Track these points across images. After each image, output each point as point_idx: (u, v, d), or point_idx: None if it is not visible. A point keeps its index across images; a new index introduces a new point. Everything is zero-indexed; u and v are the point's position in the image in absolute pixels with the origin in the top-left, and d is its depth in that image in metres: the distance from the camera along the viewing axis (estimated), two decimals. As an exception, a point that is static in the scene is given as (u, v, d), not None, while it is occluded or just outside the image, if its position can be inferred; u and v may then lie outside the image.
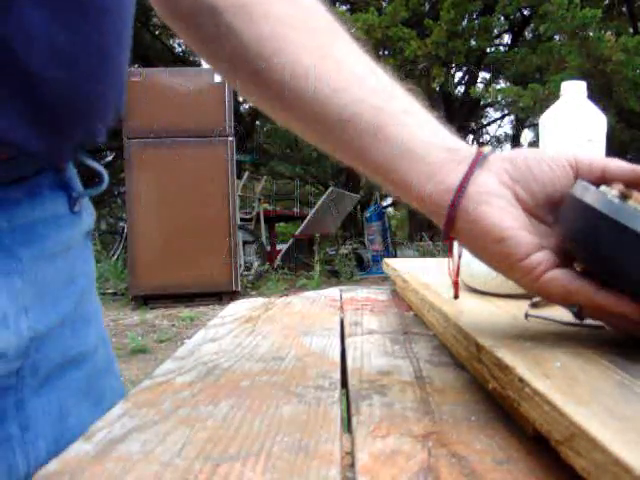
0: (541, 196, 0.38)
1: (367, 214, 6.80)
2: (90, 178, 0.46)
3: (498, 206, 0.37)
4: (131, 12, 0.40)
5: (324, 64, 0.41)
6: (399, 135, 0.39)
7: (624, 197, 0.34)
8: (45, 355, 0.39)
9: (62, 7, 0.33)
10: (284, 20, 0.41)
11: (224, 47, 0.42)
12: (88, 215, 0.47)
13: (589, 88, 0.99)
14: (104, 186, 0.45)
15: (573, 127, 0.96)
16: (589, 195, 0.35)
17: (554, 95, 0.93)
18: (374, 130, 0.39)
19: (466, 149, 0.40)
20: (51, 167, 0.41)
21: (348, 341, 0.56)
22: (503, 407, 0.36)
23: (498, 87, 7.40)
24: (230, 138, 4.57)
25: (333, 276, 5.96)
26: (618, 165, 0.38)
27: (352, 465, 0.30)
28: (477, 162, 0.39)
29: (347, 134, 0.40)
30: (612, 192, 0.35)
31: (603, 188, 0.36)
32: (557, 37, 6.51)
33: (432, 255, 6.09)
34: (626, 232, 0.33)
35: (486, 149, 0.40)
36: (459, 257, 0.42)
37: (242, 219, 5.82)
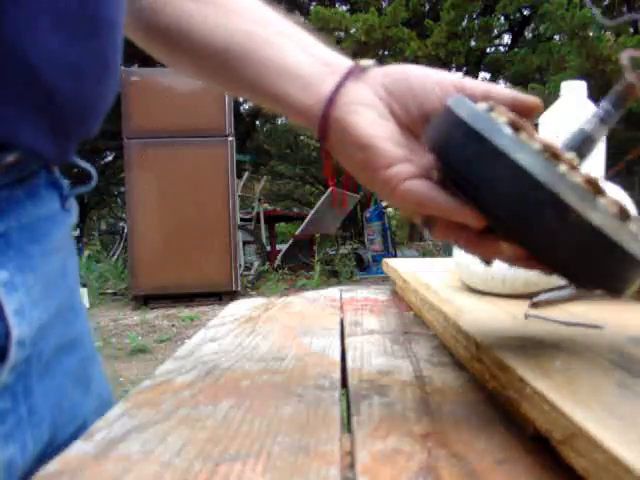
0: (418, 113, 0.39)
1: (367, 214, 6.80)
2: (79, 177, 0.48)
3: (367, 117, 0.39)
4: (123, 18, 0.42)
5: (205, 7, 0.44)
6: (273, 55, 0.41)
7: (514, 127, 0.33)
8: (47, 342, 0.41)
9: (69, 25, 0.35)
10: None
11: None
12: (74, 211, 0.49)
13: (589, 88, 0.99)
14: (93, 183, 0.47)
15: (573, 127, 0.96)
16: (461, 106, 0.34)
17: (554, 95, 0.93)
18: (247, 54, 0.42)
19: (344, 63, 0.41)
20: (45, 167, 0.42)
21: (348, 341, 0.56)
22: (503, 407, 0.36)
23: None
24: (230, 138, 4.57)
25: (333, 276, 5.96)
26: (499, 91, 0.38)
27: (352, 465, 0.30)
28: (351, 73, 0.40)
29: (226, 63, 0.43)
30: (501, 118, 0.33)
31: (493, 114, 0.34)
32: (557, 37, 6.51)
33: (432, 255, 6.09)
34: (483, 143, 0.31)
35: (366, 62, 0.41)
36: None
37: (242, 219, 5.82)
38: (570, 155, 0.34)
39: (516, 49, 7.65)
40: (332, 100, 0.40)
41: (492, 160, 0.31)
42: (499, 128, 0.32)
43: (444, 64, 6.93)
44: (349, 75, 0.40)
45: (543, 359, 0.34)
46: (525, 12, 8.12)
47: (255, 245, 6.17)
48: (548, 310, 0.50)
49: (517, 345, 0.37)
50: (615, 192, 0.67)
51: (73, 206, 0.48)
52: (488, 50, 8.03)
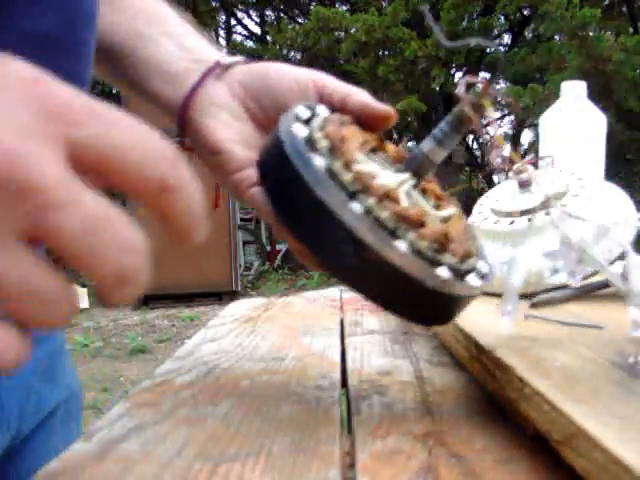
0: (274, 111, 0.39)
1: (367, 214, 6.78)
2: None
3: (219, 119, 0.39)
4: (96, 36, 0.43)
5: (106, 9, 0.44)
6: (152, 55, 0.42)
7: (331, 152, 0.32)
8: None
9: (49, 48, 0.36)
10: None
11: None
12: None
13: (589, 88, 0.99)
14: None
15: (573, 127, 0.96)
16: (284, 124, 0.33)
17: (554, 95, 0.93)
18: (129, 53, 0.43)
19: (213, 60, 0.42)
20: None
21: (348, 341, 0.56)
22: (503, 407, 0.36)
23: (498, 87, 7.41)
24: (230, 138, 4.57)
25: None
26: (355, 98, 0.38)
27: (352, 465, 0.30)
28: (211, 71, 0.41)
29: (111, 61, 0.44)
30: (323, 142, 0.33)
31: (318, 135, 0.33)
32: (557, 37, 6.51)
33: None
34: (291, 173, 0.31)
35: (228, 59, 0.41)
36: None
37: (242, 219, 5.82)
38: (400, 178, 0.34)
39: (516, 49, 7.65)
40: (187, 100, 0.41)
41: (298, 193, 0.31)
42: (308, 160, 0.31)
43: (444, 64, 6.93)
44: (208, 74, 0.41)
45: (543, 359, 0.34)
46: (525, 12, 8.12)
47: (255, 245, 6.17)
48: (548, 310, 0.50)
49: (517, 345, 0.37)
50: (615, 193, 0.67)
51: None
52: (488, 50, 8.03)
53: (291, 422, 0.35)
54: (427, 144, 0.35)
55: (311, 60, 6.85)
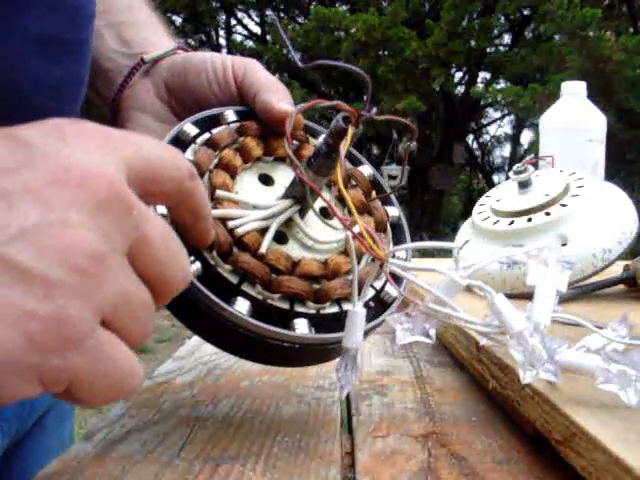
0: (195, 107, 0.37)
1: (367, 214, 6.79)
2: None
3: (140, 122, 0.39)
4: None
5: None
6: (95, 48, 0.41)
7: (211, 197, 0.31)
8: None
9: (55, 48, 0.36)
10: None
11: None
12: None
13: (589, 88, 0.99)
14: None
15: (573, 127, 0.96)
16: None
17: (554, 95, 0.93)
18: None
19: (143, 45, 0.40)
20: None
21: (348, 341, 0.56)
22: (503, 407, 0.36)
23: (498, 87, 7.41)
24: (230, 138, 4.57)
25: (333, 276, 5.96)
26: (260, 99, 0.35)
27: (352, 465, 0.30)
28: (135, 70, 0.40)
29: None
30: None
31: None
32: (557, 37, 6.51)
33: (432, 255, 6.08)
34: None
35: (152, 54, 0.40)
36: None
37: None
38: (278, 208, 0.32)
39: (516, 49, 7.65)
40: (115, 102, 0.40)
41: None
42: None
43: (444, 64, 6.93)
44: (132, 72, 0.40)
45: (543, 359, 0.34)
46: (525, 12, 8.12)
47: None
48: (548, 310, 0.50)
49: (517, 345, 0.37)
50: (616, 193, 0.67)
51: None
52: (488, 50, 8.03)
53: (291, 422, 0.35)
54: (305, 171, 0.32)
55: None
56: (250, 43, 9.51)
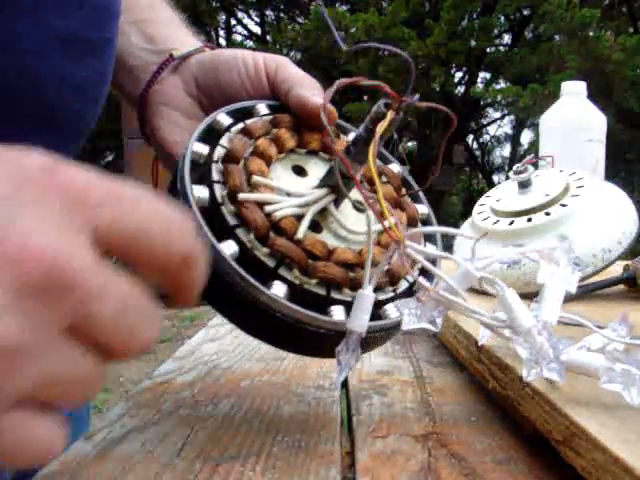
0: (225, 104, 0.37)
1: (367, 214, 6.78)
2: None
3: (170, 119, 0.39)
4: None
5: None
6: (120, 46, 0.40)
7: (231, 195, 0.31)
8: None
9: (79, 47, 0.35)
10: None
11: None
12: None
13: (589, 88, 0.99)
14: None
15: (573, 127, 0.96)
16: (180, 178, 0.32)
17: (554, 95, 0.93)
18: None
19: (170, 42, 0.40)
20: None
21: (348, 341, 0.56)
22: (503, 407, 0.36)
23: (498, 87, 7.40)
24: (230, 138, 4.57)
25: (333, 276, 5.96)
26: (293, 94, 0.36)
27: (352, 465, 0.30)
28: (164, 66, 0.39)
29: None
30: (223, 190, 0.32)
31: (215, 175, 0.32)
32: (557, 37, 6.51)
33: (432, 255, 6.08)
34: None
35: (182, 50, 0.40)
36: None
37: (242, 219, 5.81)
38: (312, 197, 0.32)
39: (516, 49, 7.65)
40: (142, 98, 0.40)
41: None
42: (187, 196, 0.30)
43: (444, 64, 6.93)
44: (162, 68, 0.39)
45: (543, 359, 0.34)
46: (525, 12, 8.12)
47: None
48: (548, 310, 0.50)
49: (517, 345, 0.37)
50: (615, 193, 0.67)
51: None
52: (488, 50, 8.03)
53: (291, 422, 0.35)
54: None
55: (311, 60, 6.85)
56: (250, 43, 9.50)
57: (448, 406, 0.37)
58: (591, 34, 5.15)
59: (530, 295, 0.54)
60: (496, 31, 8.10)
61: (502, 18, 8.04)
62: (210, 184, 0.31)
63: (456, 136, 8.35)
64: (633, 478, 0.20)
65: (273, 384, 0.43)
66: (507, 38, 8.78)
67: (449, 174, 7.70)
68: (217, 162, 0.32)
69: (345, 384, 0.44)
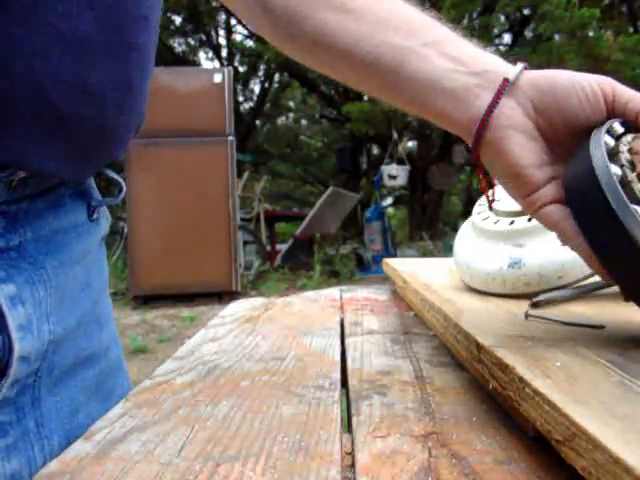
0: (562, 126, 0.39)
1: (367, 214, 6.80)
2: (108, 187, 0.48)
3: (517, 142, 0.39)
4: (154, 42, 0.41)
5: (346, 18, 0.43)
6: (419, 70, 0.41)
7: (632, 165, 0.36)
8: (61, 356, 0.40)
9: (90, 50, 0.35)
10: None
11: None
12: (105, 221, 0.48)
13: (589, 88, 0.98)
14: (122, 195, 0.46)
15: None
16: (595, 154, 0.36)
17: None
18: (395, 69, 0.41)
19: (492, 71, 0.40)
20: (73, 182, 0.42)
21: (348, 341, 0.56)
22: (503, 407, 0.36)
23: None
24: (230, 138, 4.56)
25: (333, 276, 5.96)
26: None
27: (352, 465, 0.30)
28: (502, 91, 0.39)
29: (374, 77, 0.43)
30: (625, 156, 0.36)
31: (624, 154, 0.37)
32: (557, 37, 6.51)
33: (432, 255, 6.09)
34: (607, 211, 0.34)
35: (512, 71, 0.40)
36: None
37: (242, 219, 5.82)
38: None
39: (516, 49, 7.65)
40: (485, 122, 0.39)
41: (613, 231, 0.34)
42: (625, 204, 0.33)
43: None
44: (500, 93, 0.39)
45: (543, 359, 0.34)
46: (525, 12, 8.12)
47: (255, 245, 6.16)
48: (548, 310, 0.50)
49: (517, 345, 0.37)
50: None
51: (103, 217, 0.48)
52: (488, 50, 8.02)
53: (291, 422, 0.35)
54: None
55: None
56: (250, 43, 9.51)
57: (448, 406, 0.37)
58: (591, 34, 5.15)
59: (530, 295, 0.54)
60: (496, 31, 8.10)
61: (502, 18, 8.03)
62: (621, 166, 0.36)
63: (456, 136, 8.34)
64: (633, 478, 0.20)
65: (273, 384, 0.43)
66: (507, 38, 8.78)
67: (449, 174, 7.70)
68: (623, 153, 0.37)
69: (345, 384, 0.44)
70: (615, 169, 0.35)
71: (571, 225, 0.37)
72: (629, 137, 0.38)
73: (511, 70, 0.40)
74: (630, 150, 0.37)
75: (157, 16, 0.42)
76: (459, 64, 0.40)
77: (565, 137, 0.39)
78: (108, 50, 0.36)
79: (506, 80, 0.39)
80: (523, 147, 0.39)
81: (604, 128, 0.37)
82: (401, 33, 0.41)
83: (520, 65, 0.40)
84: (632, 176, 0.36)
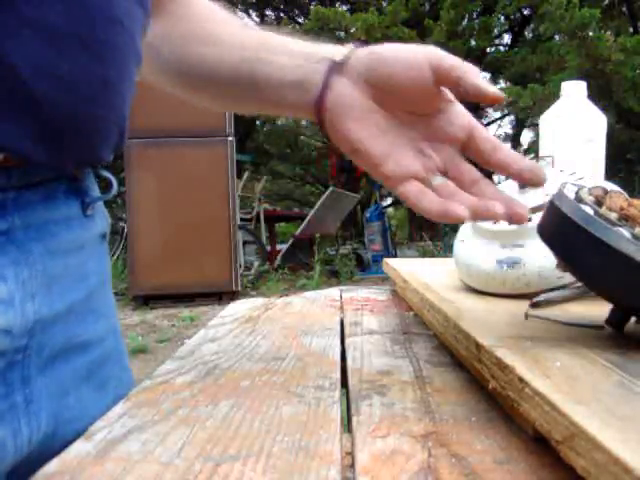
0: (398, 94, 0.41)
1: (367, 214, 6.79)
2: (108, 187, 0.49)
3: (352, 117, 0.41)
4: (136, 48, 0.43)
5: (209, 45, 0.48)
6: (268, 74, 0.44)
7: (598, 203, 0.40)
8: (50, 337, 0.41)
9: (61, 40, 0.36)
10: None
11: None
12: (102, 219, 0.50)
13: (589, 88, 0.99)
14: (113, 191, 0.48)
15: (573, 127, 0.96)
16: (565, 204, 0.39)
17: (554, 95, 0.93)
18: (247, 79, 0.45)
19: (328, 58, 0.43)
20: (64, 176, 0.44)
21: (348, 341, 0.56)
22: (503, 407, 0.36)
23: (498, 87, 7.40)
24: (230, 138, 4.56)
25: (333, 276, 5.95)
26: (469, 82, 0.39)
27: (352, 465, 0.30)
28: (331, 72, 0.42)
29: (234, 91, 0.48)
30: (590, 199, 0.40)
31: (590, 197, 0.41)
32: (557, 37, 6.51)
33: (432, 255, 6.08)
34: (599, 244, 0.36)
35: (340, 53, 0.42)
36: None
37: (242, 219, 5.81)
38: None
39: (516, 49, 7.65)
40: (319, 104, 0.42)
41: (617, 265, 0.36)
42: (620, 235, 0.35)
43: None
44: (330, 73, 0.42)
45: (543, 359, 0.34)
46: (525, 12, 8.12)
47: (255, 245, 6.16)
48: (548, 310, 0.50)
49: (517, 345, 0.37)
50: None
51: (99, 215, 0.49)
52: (488, 50, 8.03)
53: (291, 422, 0.35)
54: None
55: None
56: (250, 43, 9.49)
57: (448, 406, 0.37)
58: (591, 34, 5.15)
59: (530, 295, 0.54)
60: (496, 31, 8.11)
61: (502, 18, 8.04)
62: (590, 206, 0.40)
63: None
64: (633, 478, 0.20)
65: (273, 384, 0.43)
66: (507, 38, 8.78)
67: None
68: (587, 197, 0.41)
69: (345, 384, 0.44)
70: (586, 208, 0.38)
71: (428, 199, 0.39)
72: (585, 190, 0.42)
73: (340, 52, 0.42)
74: (595, 196, 0.41)
75: (138, 24, 0.43)
76: (299, 58, 0.43)
77: (403, 103, 0.41)
78: (82, 44, 0.37)
79: (333, 61, 0.42)
80: (357, 121, 0.41)
81: (560, 190, 0.41)
82: (251, 48, 0.46)
83: (350, 46, 0.43)
84: (603, 209, 0.39)
